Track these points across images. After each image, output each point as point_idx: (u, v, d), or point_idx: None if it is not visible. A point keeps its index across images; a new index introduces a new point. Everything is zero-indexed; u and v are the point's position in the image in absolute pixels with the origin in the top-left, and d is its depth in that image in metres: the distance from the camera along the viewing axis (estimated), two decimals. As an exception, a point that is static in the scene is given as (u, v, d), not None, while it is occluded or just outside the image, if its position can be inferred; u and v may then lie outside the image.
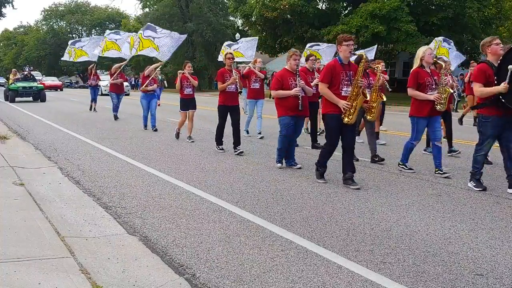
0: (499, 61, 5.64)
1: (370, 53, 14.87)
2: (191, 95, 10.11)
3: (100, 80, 20.13)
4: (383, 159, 7.70)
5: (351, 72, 6.03)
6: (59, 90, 43.89)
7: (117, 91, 15.39)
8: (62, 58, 18.58)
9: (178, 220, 4.68)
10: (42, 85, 26.05)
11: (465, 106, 13.02)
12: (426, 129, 6.83)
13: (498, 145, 6.02)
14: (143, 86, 12.20)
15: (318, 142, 9.35)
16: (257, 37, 16.40)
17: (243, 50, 14.79)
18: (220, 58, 16.27)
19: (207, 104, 21.71)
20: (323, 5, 32.36)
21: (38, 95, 24.34)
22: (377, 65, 7.90)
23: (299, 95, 6.84)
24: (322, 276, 3.40)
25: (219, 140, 8.89)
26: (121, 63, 15.20)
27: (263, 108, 10.94)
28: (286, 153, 7.31)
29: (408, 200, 5.46)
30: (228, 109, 8.62)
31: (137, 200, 5.42)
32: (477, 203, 5.39)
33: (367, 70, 7.61)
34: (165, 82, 25.91)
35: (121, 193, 5.72)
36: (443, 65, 7.09)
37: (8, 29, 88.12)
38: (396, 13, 25.40)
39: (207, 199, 5.48)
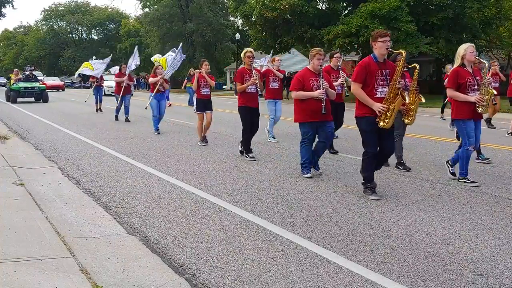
0: None
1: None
2: (208, 96, 9.59)
3: (104, 81, 19.87)
4: (409, 169, 7.11)
5: (388, 71, 5.46)
6: (60, 90, 43.44)
7: (123, 92, 14.64)
8: (76, 74, 19.29)
9: (178, 220, 4.68)
10: (44, 85, 25.74)
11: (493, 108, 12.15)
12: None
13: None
14: (155, 90, 11.55)
15: (334, 149, 8.63)
16: (269, 55, 16.37)
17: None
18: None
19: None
20: (323, 5, 32.35)
21: (41, 96, 24.08)
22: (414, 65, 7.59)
23: (323, 98, 6.30)
24: (322, 276, 3.40)
25: (246, 146, 8.08)
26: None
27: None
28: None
29: (408, 200, 5.46)
30: (250, 110, 8.04)
31: (137, 200, 5.42)
32: (477, 203, 5.39)
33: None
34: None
35: (121, 193, 5.72)
36: (486, 64, 6.59)
37: (8, 29, 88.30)
38: (396, 13, 25.37)
39: (207, 199, 5.48)
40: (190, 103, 21.99)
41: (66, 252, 3.72)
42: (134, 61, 15.41)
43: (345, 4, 31.75)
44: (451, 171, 6.58)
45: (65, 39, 76.02)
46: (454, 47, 26.85)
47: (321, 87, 6.31)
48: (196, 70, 9.49)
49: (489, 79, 6.51)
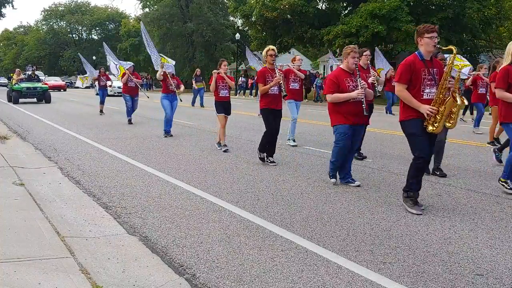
0: None
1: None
2: (227, 98, 8.95)
3: (110, 81, 19.16)
4: (445, 175, 6.71)
5: (435, 69, 4.98)
6: (62, 90, 42.80)
7: (131, 92, 13.72)
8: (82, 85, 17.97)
9: (178, 220, 4.68)
10: (46, 86, 25.00)
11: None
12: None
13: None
14: (170, 89, 10.98)
15: (362, 153, 8.17)
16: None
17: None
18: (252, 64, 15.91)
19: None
20: (323, 5, 32.39)
21: (43, 96, 23.47)
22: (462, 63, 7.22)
23: (362, 98, 5.85)
24: (322, 276, 3.40)
25: (263, 147, 7.67)
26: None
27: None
28: (340, 167, 6.23)
29: (408, 200, 5.45)
30: (273, 113, 7.55)
31: (137, 200, 5.42)
32: (477, 203, 5.39)
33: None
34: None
35: (121, 193, 5.72)
36: None
37: (8, 29, 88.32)
38: (396, 13, 25.41)
39: (207, 199, 5.48)
40: (198, 103, 21.83)
41: (66, 252, 3.72)
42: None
43: (345, 4, 31.80)
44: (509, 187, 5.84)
45: (65, 39, 76.05)
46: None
47: (359, 86, 5.84)
48: (214, 71, 8.91)
49: None
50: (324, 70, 42.67)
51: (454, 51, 4.92)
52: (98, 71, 18.47)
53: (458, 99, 4.91)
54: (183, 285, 3.30)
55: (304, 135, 11.11)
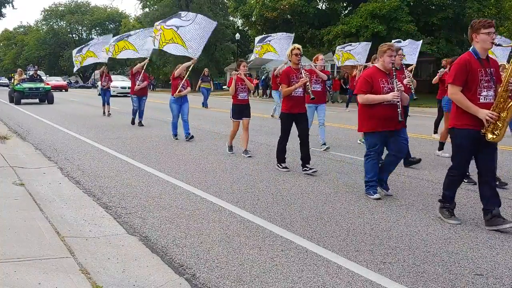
0: None
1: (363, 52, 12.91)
2: (246, 101, 8.44)
3: (112, 82, 18.46)
4: (475, 183, 5.82)
5: (492, 69, 4.49)
6: (64, 90, 42.22)
7: (138, 93, 13.22)
8: (74, 70, 16.89)
9: (178, 220, 4.68)
10: (49, 86, 24.47)
11: None
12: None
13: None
14: (177, 92, 10.19)
15: (412, 157, 7.50)
16: (293, 34, 14.14)
17: (277, 45, 12.44)
18: (252, 56, 14.14)
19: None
20: (323, 5, 32.39)
21: (46, 97, 22.88)
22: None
23: (398, 102, 5.32)
24: (322, 276, 3.40)
25: (281, 156, 7.20)
26: (144, 62, 13.00)
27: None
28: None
29: (408, 200, 5.46)
30: (294, 117, 6.99)
31: (137, 200, 5.42)
32: (477, 203, 5.37)
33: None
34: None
35: (121, 193, 5.72)
36: None
37: (8, 29, 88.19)
38: (396, 13, 25.41)
39: (207, 199, 5.48)
40: (204, 104, 21.44)
41: (66, 252, 3.72)
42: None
43: (345, 4, 31.80)
44: None
45: (65, 39, 76.00)
46: (454, 47, 26.95)
47: (396, 89, 5.34)
48: (233, 72, 8.43)
49: None
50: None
51: None
52: (100, 70, 18.29)
53: None
54: (183, 285, 3.30)
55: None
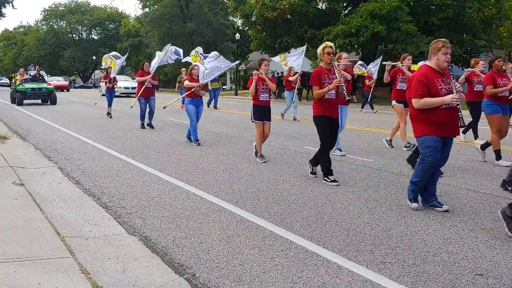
0: None
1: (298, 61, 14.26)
2: (267, 102, 7.86)
3: (117, 82, 17.98)
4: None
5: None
6: (65, 90, 41.97)
7: (144, 95, 12.42)
8: (112, 75, 16.12)
9: (178, 220, 4.68)
10: (52, 86, 23.62)
11: None
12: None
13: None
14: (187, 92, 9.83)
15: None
16: (304, 47, 15.55)
17: (292, 62, 14.61)
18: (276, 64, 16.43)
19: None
20: (323, 5, 32.37)
21: (48, 97, 22.28)
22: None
23: (458, 105, 4.78)
24: (322, 276, 3.40)
25: (327, 166, 6.36)
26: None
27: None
28: (424, 188, 5.13)
29: (408, 200, 5.45)
30: (330, 121, 6.39)
31: (137, 200, 5.42)
32: (477, 203, 5.39)
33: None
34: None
35: (121, 193, 5.73)
36: None
37: (8, 29, 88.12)
38: (396, 13, 25.39)
39: (207, 199, 5.48)
40: (212, 105, 20.80)
41: (66, 252, 3.72)
42: (165, 57, 13.23)
43: (345, 4, 31.78)
44: None
45: (65, 39, 75.98)
46: (454, 47, 26.92)
47: (454, 90, 4.78)
48: (254, 71, 7.80)
49: None
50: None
51: None
52: (104, 71, 18.23)
53: None
54: (183, 285, 3.30)
55: (303, 135, 11.10)
